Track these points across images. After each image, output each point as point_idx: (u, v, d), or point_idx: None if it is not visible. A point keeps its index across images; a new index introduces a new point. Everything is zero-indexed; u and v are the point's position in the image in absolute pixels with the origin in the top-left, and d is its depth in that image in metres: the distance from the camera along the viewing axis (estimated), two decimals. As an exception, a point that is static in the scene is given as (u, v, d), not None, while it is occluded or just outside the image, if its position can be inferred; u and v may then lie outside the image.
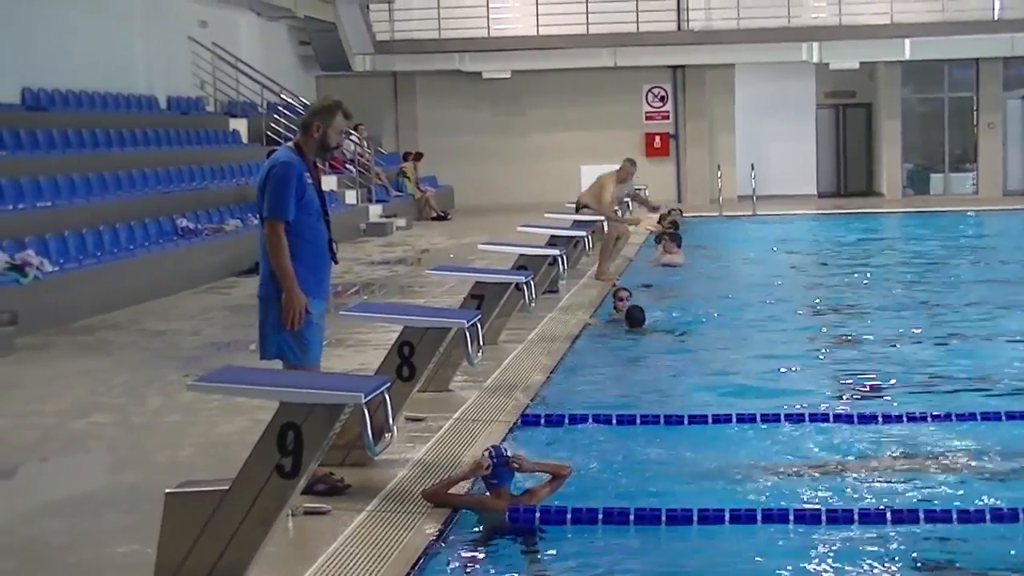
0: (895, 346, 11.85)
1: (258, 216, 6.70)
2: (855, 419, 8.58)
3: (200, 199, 18.08)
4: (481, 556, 6.19)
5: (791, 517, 6.47)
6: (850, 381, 10.33)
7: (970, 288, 15.72)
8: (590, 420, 8.52)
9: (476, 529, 6.45)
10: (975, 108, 30.51)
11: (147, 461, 7.54)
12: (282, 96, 24.68)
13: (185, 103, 22.48)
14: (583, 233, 14.67)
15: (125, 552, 5.83)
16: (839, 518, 6.46)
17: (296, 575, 5.52)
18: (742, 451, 7.89)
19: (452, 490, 6.63)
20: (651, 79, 30.48)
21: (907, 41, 28.66)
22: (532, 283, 10.53)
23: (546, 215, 16.50)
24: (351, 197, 23.99)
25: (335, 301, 9.41)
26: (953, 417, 8.49)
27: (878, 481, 7.30)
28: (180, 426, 8.38)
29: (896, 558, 6.07)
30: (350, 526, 6.15)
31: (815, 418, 8.59)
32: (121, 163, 17.21)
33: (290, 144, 6.84)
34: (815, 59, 29.14)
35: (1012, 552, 6.14)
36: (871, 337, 12.30)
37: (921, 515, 6.47)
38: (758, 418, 8.48)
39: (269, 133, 22.95)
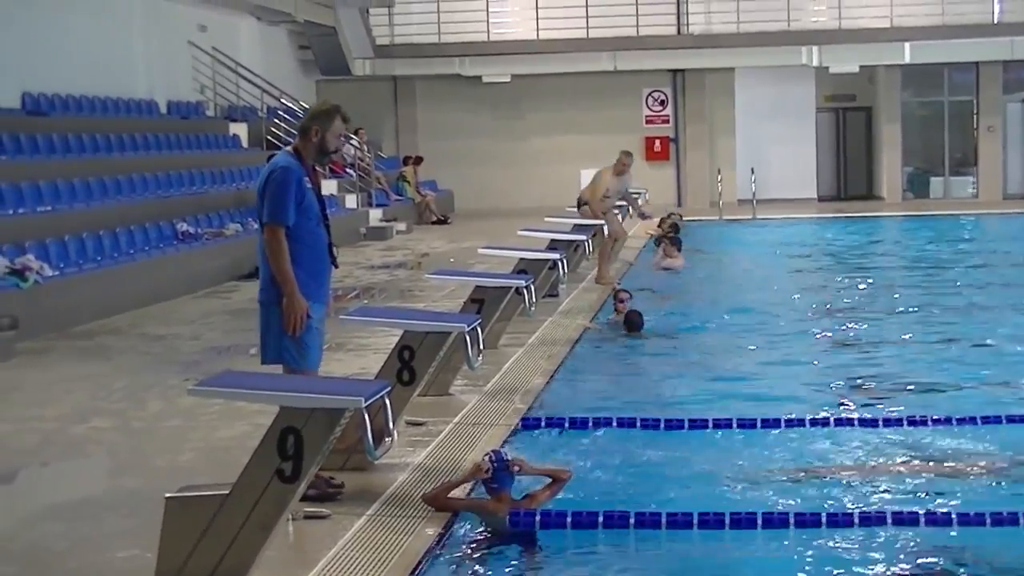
0: (896, 349, 11.85)
1: (258, 221, 6.70)
2: (855, 423, 8.58)
3: (200, 203, 18.07)
4: (481, 560, 6.19)
5: (791, 521, 6.47)
6: (850, 385, 10.33)
7: (971, 291, 15.72)
8: (590, 424, 8.52)
9: (476, 533, 6.45)
10: (975, 111, 30.46)
11: (147, 466, 7.54)
12: (282, 100, 24.67)
13: (185, 107, 22.47)
14: (583, 237, 14.63)
15: (125, 557, 5.83)
16: (840, 522, 6.46)
17: (296, 579, 5.52)
18: (742, 455, 7.89)
19: (452, 494, 6.62)
20: (651, 83, 30.46)
21: (907, 45, 28.64)
22: (532, 287, 10.51)
23: (546, 219, 16.43)
24: (351, 201, 23.97)
25: (335, 305, 9.42)
26: (953, 421, 8.49)
27: (879, 485, 7.29)
28: (180, 431, 8.38)
29: (897, 562, 6.06)
30: (350, 530, 6.15)
31: (815, 422, 8.58)
32: (121, 167, 17.20)
33: (289, 149, 6.82)
34: (815, 63, 29.10)
35: (1013, 555, 6.14)
36: (872, 340, 12.30)
37: (922, 518, 6.48)
38: (758, 422, 8.48)
39: (269, 137, 22.93)
